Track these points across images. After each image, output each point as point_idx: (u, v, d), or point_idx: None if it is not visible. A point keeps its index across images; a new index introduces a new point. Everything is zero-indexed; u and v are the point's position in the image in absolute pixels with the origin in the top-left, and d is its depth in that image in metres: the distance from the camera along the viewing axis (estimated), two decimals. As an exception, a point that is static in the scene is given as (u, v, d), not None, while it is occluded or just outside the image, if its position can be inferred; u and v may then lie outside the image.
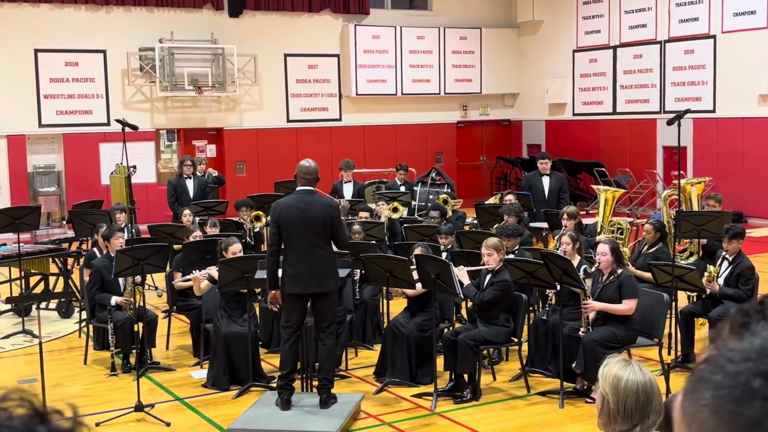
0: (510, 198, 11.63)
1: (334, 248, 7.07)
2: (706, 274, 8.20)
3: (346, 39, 20.07)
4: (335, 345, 7.26)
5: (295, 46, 19.63)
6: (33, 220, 9.87)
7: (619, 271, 7.34)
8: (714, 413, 0.85)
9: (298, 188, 7.03)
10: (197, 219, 11.21)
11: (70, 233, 13.13)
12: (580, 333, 7.21)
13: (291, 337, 6.99)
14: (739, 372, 0.84)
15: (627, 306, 7.20)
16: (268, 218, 11.51)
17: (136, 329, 8.06)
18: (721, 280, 8.18)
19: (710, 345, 0.90)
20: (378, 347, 8.38)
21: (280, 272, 6.97)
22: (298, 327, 7.04)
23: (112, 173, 15.78)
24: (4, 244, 10.76)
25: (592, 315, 7.23)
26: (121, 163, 12.34)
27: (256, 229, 11.34)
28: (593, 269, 7.51)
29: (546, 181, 12.67)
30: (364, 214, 11.02)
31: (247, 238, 10.94)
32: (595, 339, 7.09)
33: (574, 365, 7.19)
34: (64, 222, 16.62)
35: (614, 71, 19.70)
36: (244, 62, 18.89)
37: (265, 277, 7.11)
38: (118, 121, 7.93)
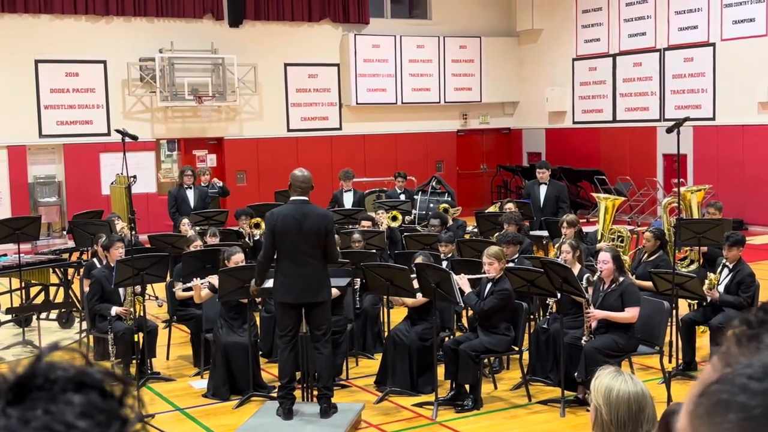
0: (510, 206, 11.61)
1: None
2: (706, 281, 8.19)
3: (346, 48, 20.10)
4: (332, 353, 7.26)
5: (295, 56, 19.65)
6: (33, 230, 9.87)
7: (621, 279, 7.33)
8: None
9: (293, 198, 7.03)
10: (197, 228, 11.21)
11: (71, 243, 13.12)
12: (582, 341, 7.19)
13: (288, 345, 6.99)
14: (766, 390, 0.79)
15: (630, 314, 7.19)
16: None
17: (136, 339, 8.06)
18: (721, 288, 8.17)
19: (719, 362, 0.84)
20: (379, 356, 8.37)
21: (271, 282, 6.99)
22: (295, 334, 7.04)
23: (112, 183, 15.78)
24: (5, 255, 10.74)
25: (594, 323, 7.22)
26: (122, 173, 12.34)
27: (256, 237, 11.34)
28: (595, 278, 7.50)
29: (542, 190, 12.65)
30: (366, 223, 11.00)
31: (246, 243, 10.93)
32: (597, 347, 7.08)
33: (576, 374, 7.18)
34: (65, 232, 16.61)
35: (614, 79, 19.72)
36: (244, 72, 18.91)
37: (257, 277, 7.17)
38: (118, 131, 7.94)
